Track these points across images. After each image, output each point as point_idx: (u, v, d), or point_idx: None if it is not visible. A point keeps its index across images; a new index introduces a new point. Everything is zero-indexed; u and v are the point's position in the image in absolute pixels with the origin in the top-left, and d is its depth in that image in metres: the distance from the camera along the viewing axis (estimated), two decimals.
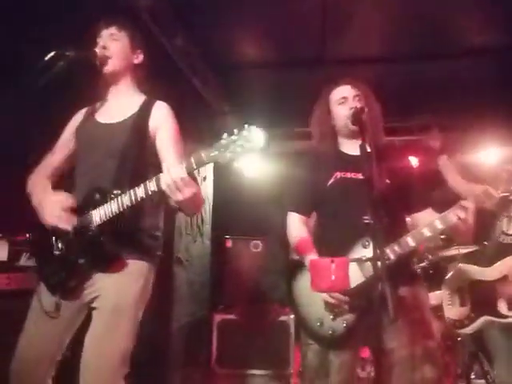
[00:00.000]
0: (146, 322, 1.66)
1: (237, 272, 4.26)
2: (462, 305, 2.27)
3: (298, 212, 1.89)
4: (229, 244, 4.33)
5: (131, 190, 1.51)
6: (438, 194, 1.75)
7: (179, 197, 1.41)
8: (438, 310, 2.40)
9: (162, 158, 1.70)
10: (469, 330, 2.22)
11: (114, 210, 1.53)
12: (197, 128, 3.69)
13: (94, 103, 1.85)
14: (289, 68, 4.31)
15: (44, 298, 1.59)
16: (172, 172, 1.40)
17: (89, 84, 1.78)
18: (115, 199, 1.53)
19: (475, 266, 2.25)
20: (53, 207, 1.58)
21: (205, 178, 4.31)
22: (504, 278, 2.10)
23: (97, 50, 1.70)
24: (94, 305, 1.58)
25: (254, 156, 5.07)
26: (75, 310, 1.63)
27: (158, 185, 1.45)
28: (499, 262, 2.14)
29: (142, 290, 1.62)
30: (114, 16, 1.80)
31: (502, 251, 2.16)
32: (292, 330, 3.88)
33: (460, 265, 2.34)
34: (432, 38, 3.95)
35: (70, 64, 1.53)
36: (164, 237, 1.76)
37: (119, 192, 1.55)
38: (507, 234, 2.17)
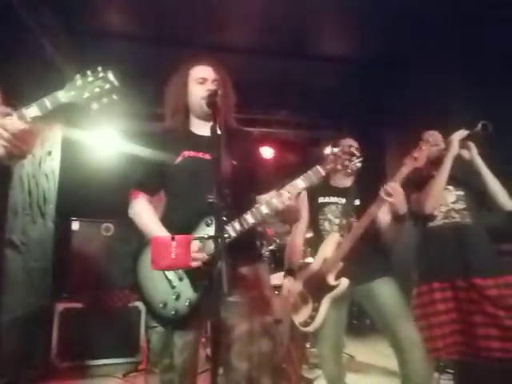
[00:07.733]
0: None
1: (85, 257, 3.96)
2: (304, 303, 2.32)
3: (142, 190, 1.82)
4: (75, 227, 4.00)
5: None
6: (280, 180, 1.83)
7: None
8: (280, 288, 2.57)
9: None
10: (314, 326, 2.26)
11: None
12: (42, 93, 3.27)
13: None
14: (155, 45, 4.14)
15: None
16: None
17: None
18: None
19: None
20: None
21: (50, 153, 3.86)
22: (324, 262, 2.26)
23: None
24: None
25: (107, 133, 4.79)
26: None
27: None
28: (320, 250, 2.31)
29: None
30: None
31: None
32: (143, 315, 3.79)
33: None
34: (298, 39, 4.23)
35: None
36: None
37: None
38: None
